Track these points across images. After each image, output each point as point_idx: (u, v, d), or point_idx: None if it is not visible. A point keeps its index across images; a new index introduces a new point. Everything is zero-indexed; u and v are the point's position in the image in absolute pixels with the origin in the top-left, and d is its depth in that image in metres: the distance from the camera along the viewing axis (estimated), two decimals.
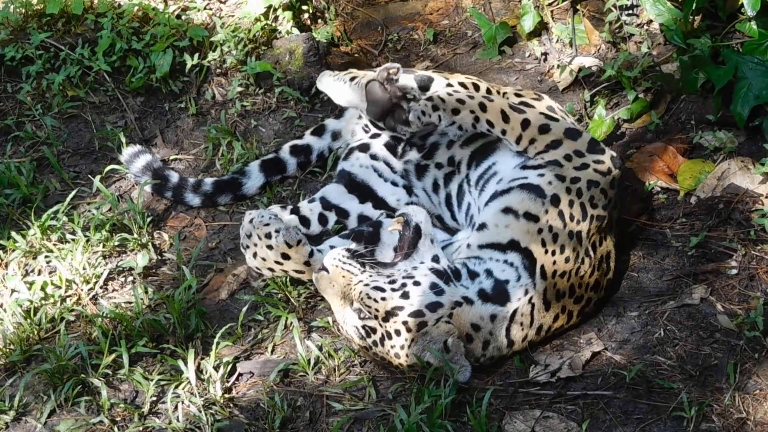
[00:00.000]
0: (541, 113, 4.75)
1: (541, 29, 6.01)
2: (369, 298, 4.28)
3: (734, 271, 4.69)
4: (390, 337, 4.28)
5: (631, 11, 5.85)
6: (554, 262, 4.42)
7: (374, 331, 4.30)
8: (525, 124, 4.65)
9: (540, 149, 4.62)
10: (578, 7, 5.96)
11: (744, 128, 5.18)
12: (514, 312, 4.37)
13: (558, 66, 5.81)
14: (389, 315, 4.26)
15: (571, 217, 4.47)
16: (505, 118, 4.67)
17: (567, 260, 4.43)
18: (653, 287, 4.73)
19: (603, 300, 4.67)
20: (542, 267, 4.40)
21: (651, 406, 4.24)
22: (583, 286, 4.49)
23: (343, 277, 4.34)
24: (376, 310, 4.28)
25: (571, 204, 4.48)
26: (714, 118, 5.29)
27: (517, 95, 5.04)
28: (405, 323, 4.25)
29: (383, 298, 4.27)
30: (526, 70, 5.94)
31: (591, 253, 4.51)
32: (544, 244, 4.41)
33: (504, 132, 4.67)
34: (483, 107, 4.68)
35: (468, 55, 6.09)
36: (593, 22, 5.94)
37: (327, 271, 4.37)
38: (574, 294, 4.48)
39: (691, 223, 4.94)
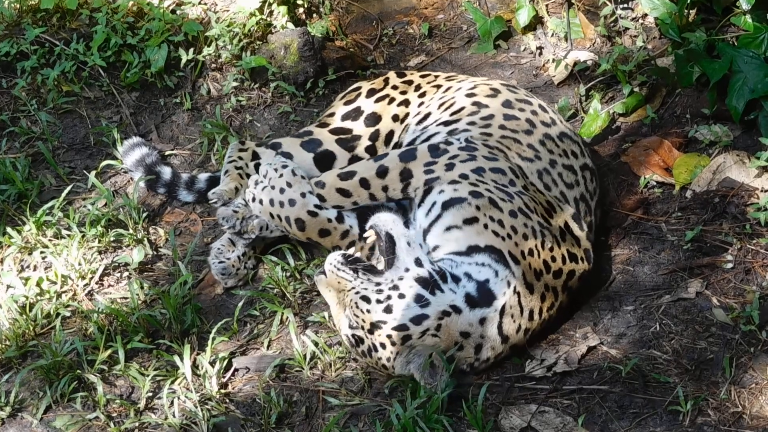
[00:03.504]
0: (370, 159, 4.78)
1: (536, 23, 6.01)
2: (357, 308, 4.29)
3: (730, 265, 4.69)
4: (376, 350, 4.28)
5: (626, 5, 5.86)
6: (516, 244, 4.39)
7: (362, 341, 4.31)
8: (365, 183, 4.67)
9: (399, 186, 4.64)
10: (573, 1, 5.96)
11: (739, 122, 5.18)
12: (503, 307, 4.36)
13: (553, 60, 5.81)
14: (374, 327, 4.26)
15: (502, 199, 4.45)
16: (346, 193, 4.71)
17: (526, 237, 4.41)
18: (649, 281, 4.73)
19: (596, 286, 4.69)
20: (510, 253, 4.38)
21: (647, 400, 4.25)
22: (557, 259, 4.48)
23: (339, 282, 4.35)
24: (363, 321, 4.28)
25: (489, 191, 4.47)
26: (709, 111, 5.30)
27: (469, 96, 5.04)
28: (389, 336, 4.25)
29: (368, 310, 4.27)
30: (521, 64, 5.94)
31: (546, 224, 4.50)
32: (497, 234, 4.39)
33: (356, 203, 4.72)
34: (321, 198, 4.74)
35: (463, 50, 6.09)
36: (588, 16, 5.94)
37: (325, 275, 4.39)
38: (550, 269, 4.45)
39: (687, 217, 4.94)
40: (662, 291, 4.66)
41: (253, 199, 4.84)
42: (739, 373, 4.29)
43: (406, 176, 4.61)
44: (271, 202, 4.79)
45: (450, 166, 4.57)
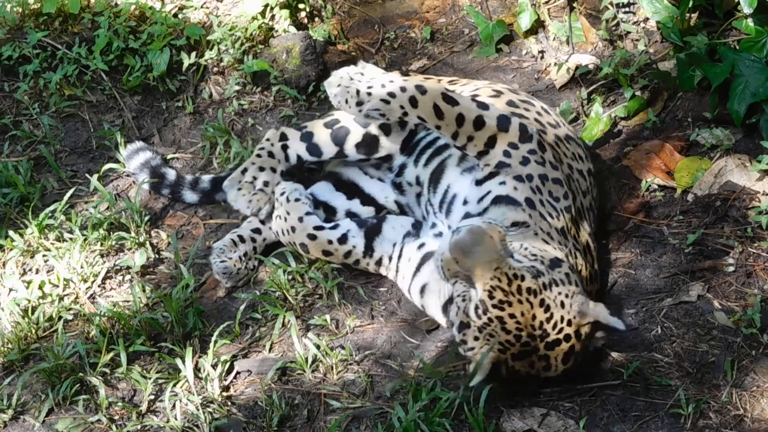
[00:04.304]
0: (474, 100, 4.69)
1: (537, 27, 6.01)
2: (530, 246, 4.26)
3: (731, 269, 4.69)
4: (557, 284, 4.17)
5: (627, 9, 5.86)
6: (566, 256, 4.40)
7: (542, 274, 4.17)
8: (460, 120, 4.57)
9: (480, 148, 4.57)
10: (575, 4, 5.97)
11: (741, 126, 5.19)
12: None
13: (555, 64, 5.82)
14: (554, 264, 4.22)
15: (550, 215, 4.46)
16: (439, 114, 4.60)
17: (567, 257, 4.42)
18: (650, 285, 4.73)
19: (600, 295, 4.69)
20: (565, 256, 4.38)
21: (648, 403, 4.25)
22: (584, 280, 4.48)
23: (499, 232, 4.22)
24: (542, 257, 4.22)
25: (542, 203, 4.47)
26: (711, 115, 5.30)
27: (474, 99, 5.02)
28: (567, 275, 4.21)
29: (544, 249, 4.27)
30: (523, 68, 5.95)
31: (578, 245, 4.51)
32: (546, 242, 4.39)
33: (438, 128, 4.62)
34: (413, 101, 4.62)
35: (465, 54, 6.09)
36: (590, 20, 5.95)
37: (482, 226, 4.20)
38: (585, 289, 4.46)
39: (689, 221, 4.95)
40: (663, 294, 4.66)
41: (276, 233, 4.95)
42: (740, 376, 4.29)
43: (489, 144, 4.57)
44: (282, 231, 4.89)
45: (525, 161, 4.53)
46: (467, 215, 4.52)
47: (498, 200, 4.47)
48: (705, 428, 4.15)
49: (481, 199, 4.52)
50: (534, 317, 4.11)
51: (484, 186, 4.54)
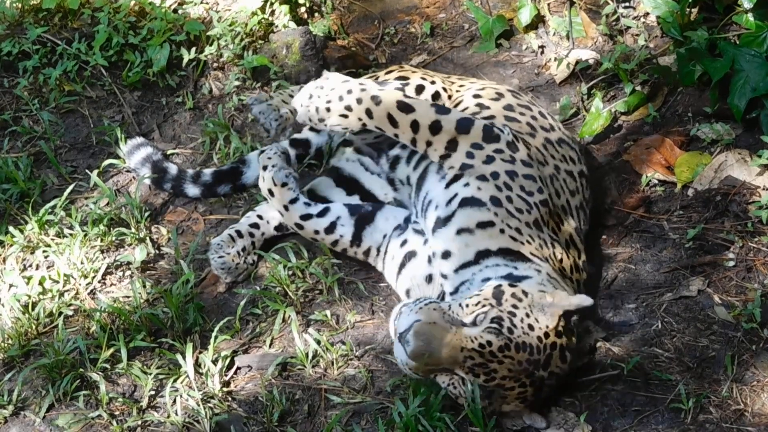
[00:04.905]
0: (434, 105, 4.70)
1: (538, 22, 6.01)
2: (468, 299, 4.17)
3: (731, 263, 4.69)
4: (514, 314, 4.10)
5: (627, 4, 5.86)
6: (536, 249, 4.40)
7: (501, 319, 4.07)
8: (415, 126, 4.60)
9: (441, 152, 4.59)
10: None
11: (741, 120, 5.18)
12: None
13: (555, 59, 5.81)
14: (497, 294, 4.14)
15: (519, 211, 4.44)
16: (394, 123, 4.63)
17: (541, 247, 4.42)
18: (651, 279, 4.73)
19: (598, 290, 4.69)
20: (531, 253, 4.38)
21: (649, 398, 4.25)
22: (568, 269, 4.47)
23: (434, 309, 4.13)
24: (485, 299, 4.14)
25: (509, 200, 4.45)
26: (711, 110, 5.30)
27: (476, 96, 5.04)
28: (513, 294, 4.14)
29: (477, 294, 4.19)
30: (523, 63, 5.95)
31: (556, 237, 4.50)
32: (514, 238, 4.39)
33: (396, 135, 4.67)
34: (369, 113, 4.66)
35: (465, 49, 6.09)
36: (590, 15, 5.95)
37: (421, 321, 4.10)
38: (566, 277, 4.46)
39: (689, 216, 4.95)
40: (664, 289, 4.66)
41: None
42: (740, 370, 4.29)
43: (450, 148, 4.58)
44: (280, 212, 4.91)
45: (489, 160, 4.53)
46: (438, 219, 4.53)
47: (464, 203, 4.47)
48: (705, 423, 4.15)
49: (448, 202, 4.52)
50: (520, 362, 4.07)
51: (451, 189, 4.54)
